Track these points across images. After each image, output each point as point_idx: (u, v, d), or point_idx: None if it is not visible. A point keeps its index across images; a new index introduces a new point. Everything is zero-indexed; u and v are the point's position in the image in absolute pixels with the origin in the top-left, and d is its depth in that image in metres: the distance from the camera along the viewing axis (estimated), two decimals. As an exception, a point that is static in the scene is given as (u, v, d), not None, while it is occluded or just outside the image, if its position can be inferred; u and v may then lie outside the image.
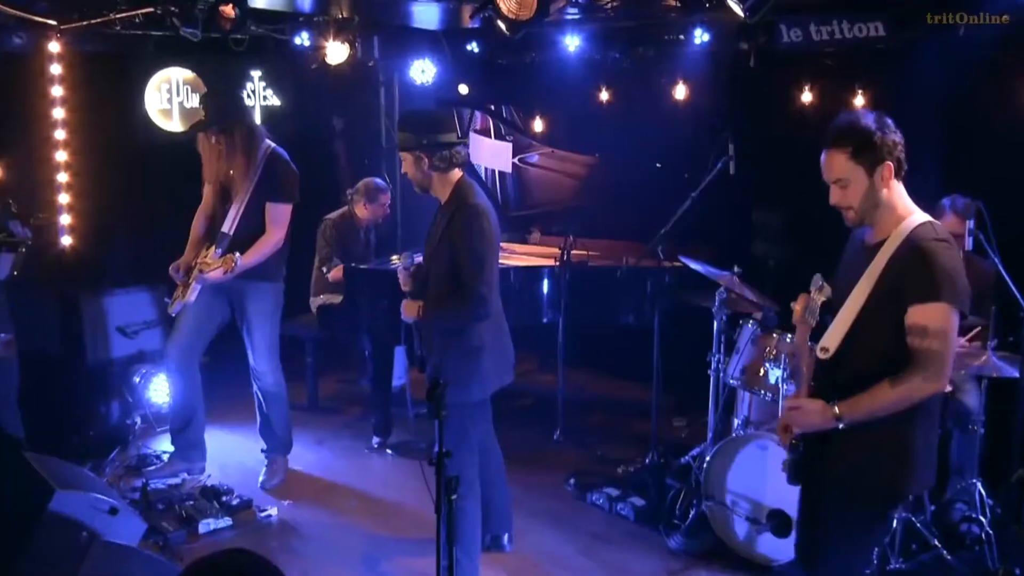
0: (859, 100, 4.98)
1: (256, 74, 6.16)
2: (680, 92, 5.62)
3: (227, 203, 4.19)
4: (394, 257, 5.34)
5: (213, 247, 4.13)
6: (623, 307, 5.10)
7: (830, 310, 2.46)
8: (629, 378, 5.91)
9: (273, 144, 4.24)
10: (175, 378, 4.42)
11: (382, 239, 5.88)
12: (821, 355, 2.39)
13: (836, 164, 2.38)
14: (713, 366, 4.22)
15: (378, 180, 5.48)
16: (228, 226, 4.13)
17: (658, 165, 5.28)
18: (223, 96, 4.28)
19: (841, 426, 2.35)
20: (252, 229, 4.14)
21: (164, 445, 4.75)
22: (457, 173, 3.31)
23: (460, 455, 3.09)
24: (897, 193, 2.41)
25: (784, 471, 2.53)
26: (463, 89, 6.30)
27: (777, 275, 5.00)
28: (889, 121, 2.39)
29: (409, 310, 3.33)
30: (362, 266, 5.06)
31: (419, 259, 3.49)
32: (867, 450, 2.41)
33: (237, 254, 3.93)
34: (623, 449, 4.92)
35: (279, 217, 4.15)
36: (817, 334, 2.44)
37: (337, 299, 5.14)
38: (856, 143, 2.35)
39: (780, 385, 3.79)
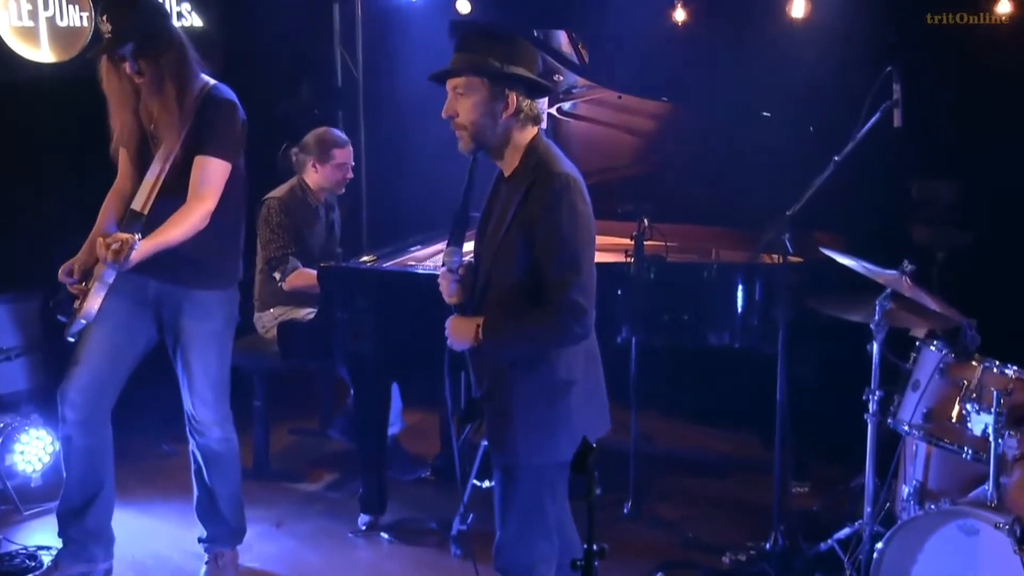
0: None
1: (167, -18, 6.03)
2: (798, 8, 5.60)
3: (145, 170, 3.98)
4: (365, 257, 5.25)
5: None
6: (716, 321, 4.94)
7: None
8: (716, 423, 5.88)
9: (212, 80, 4.06)
10: (75, 433, 4.17)
11: (347, 225, 5.89)
12: None
13: None
14: (872, 407, 4.08)
15: (334, 130, 5.48)
16: (141, 202, 3.91)
17: (765, 115, 5.19)
18: (140, 3, 3.98)
19: None
20: (179, 206, 3.94)
21: (40, 536, 4.60)
22: (532, 131, 3.23)
23: (531, 541, 3.03)
24: None
25: None
26: (463, 6, 6.29)
27: (949, 273, 4.95)
28: None
29: (462, 332, 3.17)
30: (345, 264, 5.04)
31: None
32: None
33: (137, 236, 3.74)
34: (723, 528, 4.86)
35: (209, 175, 3.91)
36: None
37: (300, 313, 5.07)
38: None
39: (991, 437, 3.62)
